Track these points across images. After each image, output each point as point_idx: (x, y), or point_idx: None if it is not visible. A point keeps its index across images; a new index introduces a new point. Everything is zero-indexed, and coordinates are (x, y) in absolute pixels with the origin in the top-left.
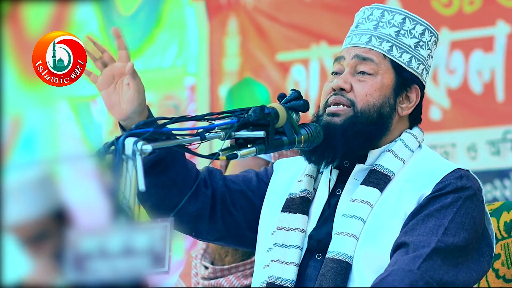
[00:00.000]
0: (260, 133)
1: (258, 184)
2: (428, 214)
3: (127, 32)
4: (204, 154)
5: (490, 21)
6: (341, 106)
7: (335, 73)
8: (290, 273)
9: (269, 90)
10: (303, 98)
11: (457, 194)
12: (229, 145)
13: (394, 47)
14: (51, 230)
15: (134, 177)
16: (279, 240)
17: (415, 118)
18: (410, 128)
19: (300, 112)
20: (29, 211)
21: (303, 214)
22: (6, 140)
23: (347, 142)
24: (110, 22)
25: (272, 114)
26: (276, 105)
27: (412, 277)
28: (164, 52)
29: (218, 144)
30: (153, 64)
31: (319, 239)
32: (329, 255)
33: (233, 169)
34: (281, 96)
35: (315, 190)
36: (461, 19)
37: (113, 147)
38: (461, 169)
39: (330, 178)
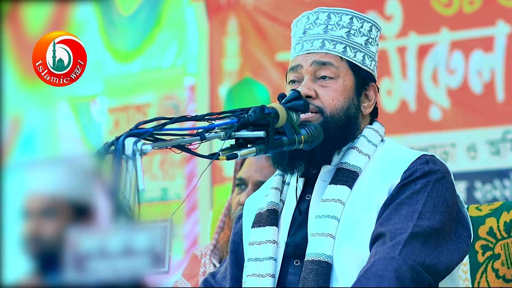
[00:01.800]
0: (260, 133)
1: (239, 237)
2: (401, 202)
3: (127, 32)
4: (204, 154)
5: (490, 21)
6: (310, 113)
7: (293, 81)
8: (266, 285)
9: (269, 90)
10: (303, 98)
11: (425, 178)
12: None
13: (347, 47)
14: (60, 213)
15: (134, 177)
16: (252, 255)
17: (374, 113)
18: (370, 123)
19: (300, 112)
20: (52, 186)
21: (272, 226)
22: (6, 140)
23: (323, 146)
24: (110, 22)
25: (272, 114)
26: (276, 105)
27: (395, 263)
28: (164, 52)
29: (218, 144)
30: (153, 64)
31: (296, 244)
32: (307, 257)
33: (248, 167)
34: (281, 96)
35: (283, 201)
36: (461, 19)
37: (113, 147)
38: (427, 154)
39: (296, 186)
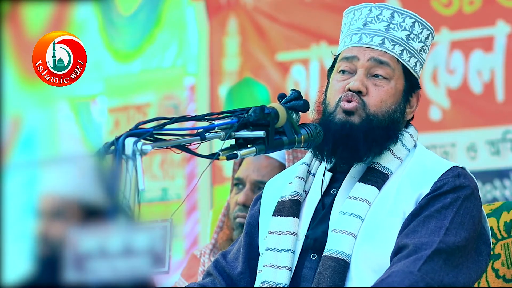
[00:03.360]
0: (260, 133)
1: (255, 219)
2: (429, 215)
3: (127, 32)
4: (204, 154)
5: (490, 21)
6: (356, 104)
7: (344, 71)
8: (282, 277)
9: (269, 90)
10: (303, 98)
11: (455, 194)
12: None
13: (404, 51)
14: (69, 215)
15: (134, 177)
16: (270, 244)
17: (409, 120)
18: (406, 126)
19: (300, 112)
20: (63, 188)
21: (294, 217)
22: (6, 140)
23: (369, 146)
24: (110, 22)
25: (272, 114)
26: (276, 105)
27: (412, 278)
28: (164, 52)
29: (218, 144)
30: (153, 64)
31: (316, 238)
32: (326, 253)
33: (246, 167)
34: (281, 96)
35: (306, 192)
36: (461, 19)
37: (113, 147)
38: (458, 167)
39: (323, 179)
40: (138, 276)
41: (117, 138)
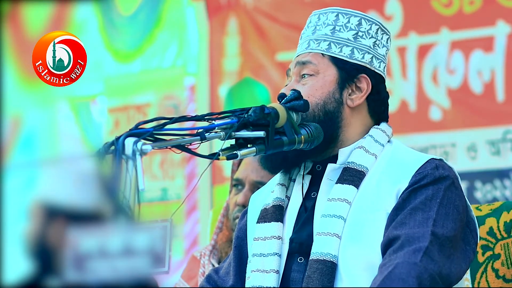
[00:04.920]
0: (260, 133)
1: (243, 232)
2: (415, 208)
3: (127, 32)
4: (204, 154)
5: (490, 21)
6: None
7: (286, 85)
8: (270, 281)
9: (269, 90)
10: (303, 98)
11: (436, 185)
12: (229, 145)
13: (332, 44)
14: (64, 219)
15: (134, 177)
16: (256, 250)
17: (375, 112)
18: (378, 124)
19: (300, 112)
20: (59, 192)
21: (278, 222)
22: (6, 140)
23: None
24: (110, 22)
25: (272, 114)
26: (276, 105)
27: (418, 269)
28: (164, 52)
29: (218, 144)
30: (153, 64)
31: (301, 242)
32: (312, 256)
33: (245, 168)
34: (281, 96)
35: (288, 198)
36: (461, 19)
37: (113, 147)
38: (435, 159)
39: (302, 183)
40: (138, 276)
41: (117, 138)
